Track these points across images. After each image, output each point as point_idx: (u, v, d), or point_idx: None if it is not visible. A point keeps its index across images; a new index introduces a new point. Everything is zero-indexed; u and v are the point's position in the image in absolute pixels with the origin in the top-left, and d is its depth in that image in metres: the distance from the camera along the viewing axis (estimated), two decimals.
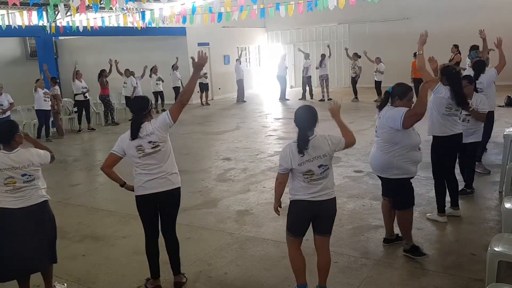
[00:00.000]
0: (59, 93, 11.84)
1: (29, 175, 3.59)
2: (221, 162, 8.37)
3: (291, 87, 20.18)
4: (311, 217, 3.50)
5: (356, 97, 15.05)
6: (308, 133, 3.41)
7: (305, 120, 3.43)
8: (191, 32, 17.06)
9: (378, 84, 14.41)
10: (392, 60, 15.34)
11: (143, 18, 12.88)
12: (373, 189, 6.24)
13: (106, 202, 6.68)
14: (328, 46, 16.72)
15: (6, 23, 10.78)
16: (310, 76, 16.23)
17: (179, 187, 3.85)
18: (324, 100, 15.39)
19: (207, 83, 16.50)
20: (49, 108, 11.40)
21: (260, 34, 21.17)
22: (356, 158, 7.93)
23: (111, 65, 13.31)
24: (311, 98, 16.16)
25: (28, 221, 3.61)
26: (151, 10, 12.27)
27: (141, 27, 13.57)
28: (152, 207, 3.84)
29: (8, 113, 10.40)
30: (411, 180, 4.25)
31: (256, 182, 7.00)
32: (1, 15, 11.00)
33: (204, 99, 16.55)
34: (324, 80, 15.75)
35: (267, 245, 4.79)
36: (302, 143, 3.37)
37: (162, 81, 15.08)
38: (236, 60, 16.92)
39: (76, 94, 12.48)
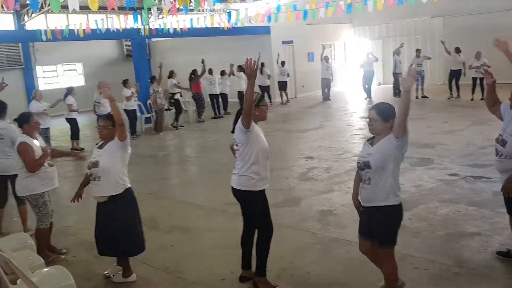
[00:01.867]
0: (154, 90, 12.38)
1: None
2: (303, 161, 8.30)
3: (379, 84, 19.53)
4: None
5: (458, 94, 14.17)
6: None
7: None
8: (275, 31, 17.12)
9: (480, 80, 13.45)
10: (494, 56, 14.14)
11: (229, 18, 13.15)
12: (469, 194, 5.82)
13: (193, 196, 6.91)
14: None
15: (105, 27, 11.56)
16: (401, 72, 15.55)
17: (246, 191, 3.77)
18: (418, 98, 14.76)
19: (286, 81, 16.39)
20: (136, 107, 12.08)
21: (346, 30, 20.70)
22: (451, 160, 7.45)
23: (203, 65, 13.83)
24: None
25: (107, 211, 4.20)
26: (237, 10, 12.49)
27: (227, 27, 13.86)
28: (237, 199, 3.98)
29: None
30: None
31: (340, 182, 6.84)
32: (101, 19, 11.82)
33: (285, 98, 16.53)
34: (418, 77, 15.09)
35: (351, 247, 4.63)
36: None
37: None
38: (324, 57, 16.64)
39: (171, 93, 13.11)
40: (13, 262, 2.98)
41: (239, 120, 3.70)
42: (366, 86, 15.90)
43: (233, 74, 14.79)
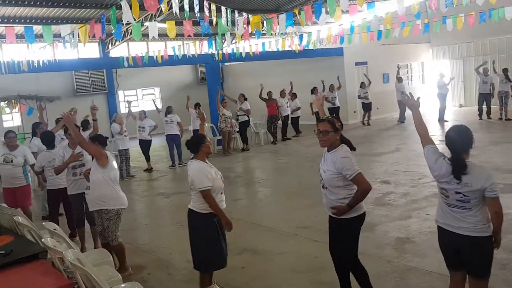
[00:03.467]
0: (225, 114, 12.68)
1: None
2: (379, 185, 8.00)
3: (460, 105, 18.60)
4: (453, 250, 3.17)
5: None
6: (462, 156, 3.05)
7: (456, 142, 3.10)
8: (348, 52, 16.96)
9: None
10: None
11: (300, 41, 13.20)
12: None
13: (264, 218, 6.89)
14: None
15: (182, 53, 12.07)
16: (489, 93, 14.65)
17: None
18: (502, 119, 13.90)
19: (370, 103, 16.08)
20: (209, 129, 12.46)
21: (423, 50, 19.99)
22: None
23: (261, 89, 13.98)
24: (488, 117, 14.62)
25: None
26: (308, 33, 12.52)
27: (298, 49, 13.93)
28: None
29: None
30: None
31: (418, 208, 6.50)
32: (178, 45, 12.37)
33: (366, 119, 16.22)
34: (502, 97, 14.17)
35: (430, 277, 4.36)
36: (459, 169, 3.02)
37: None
38: (397, 78, 16.21)
39: (239, 115, 13.35)
40: (93, 276, 3.10)
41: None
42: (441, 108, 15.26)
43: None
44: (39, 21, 15.24)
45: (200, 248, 4.14)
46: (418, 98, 3.62)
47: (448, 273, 3.41)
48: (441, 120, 15.05)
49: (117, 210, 4.84)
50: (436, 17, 10.54)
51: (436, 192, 6.99)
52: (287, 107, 14.46)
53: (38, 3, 13.93)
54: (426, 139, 3.42)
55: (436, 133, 13.10)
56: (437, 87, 15.39)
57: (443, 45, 19.53)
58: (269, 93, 14.06)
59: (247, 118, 13.34)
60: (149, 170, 11.42)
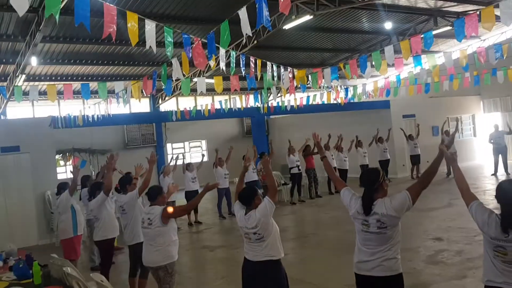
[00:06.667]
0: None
1: (259, 234, 3.98)
2: (431, 242, 7.61)
3: None
4: None
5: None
6: None
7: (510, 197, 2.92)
8: (395, 104, 16.78)
9: None
10: None
11: (346, 94, 13.23)
12: None
13: (311, 275, 6.66)
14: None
15: (228, 107, 12.37)
16: None
17: (394, 275, 3.41)
18: None
19: (418, 155, 15.59)
20: (256, 178, 12.39)
21: (474, 102, 19.48)
22: None
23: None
24: None
25: (252, 273, 4.01)
26: (354, 86, 12.57)
27: (344, 102, 13.93)
28: None
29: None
30: None
31: (474, 267, 6.10)
32: (224, 100, 12.71)
33: (415, 172, 15.67)
34: None
35: None
36: (508, 223, 2.86)
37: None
38: (444, 132, 15.78)
39: (291, 168, 13.29)
40: None
41: (406, 196, 3.40)
42: (498, 161, 14.56)
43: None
44: (94, 78, 16.20)
45: None
46: (454, 153, 3.47)
47: None
48: (497, 174, 14.38)
49: None
50: (485, 69, 10.33)
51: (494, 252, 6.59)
52: (333, 159, 14.21)
53: (94, 62, 14.86)
54: (468, 195, 3.23)
55: (490, 188, 12.48)
56: (492, 139, 14.82)
57: (494, 97, 18.97)
58: (307, 146, 13.86)
59: (296, 171, 13.22)
60: (199, 222, 11.44)
